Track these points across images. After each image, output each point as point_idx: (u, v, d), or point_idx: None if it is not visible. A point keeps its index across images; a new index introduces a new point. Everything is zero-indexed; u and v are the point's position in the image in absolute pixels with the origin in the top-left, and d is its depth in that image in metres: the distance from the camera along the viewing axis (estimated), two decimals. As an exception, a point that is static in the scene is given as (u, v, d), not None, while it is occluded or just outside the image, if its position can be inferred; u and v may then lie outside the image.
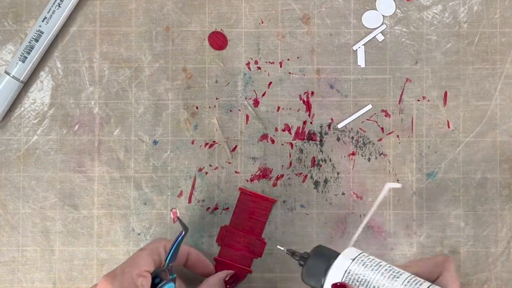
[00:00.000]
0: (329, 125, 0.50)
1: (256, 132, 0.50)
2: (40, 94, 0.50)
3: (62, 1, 0.49)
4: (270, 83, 0.51)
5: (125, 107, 0.50)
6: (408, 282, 0.36)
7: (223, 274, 0.48)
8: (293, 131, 0.50)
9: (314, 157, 0.50)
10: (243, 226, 0.49)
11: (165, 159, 0.50)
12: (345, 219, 0.50)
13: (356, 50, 0.51)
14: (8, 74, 0.49)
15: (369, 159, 0.50)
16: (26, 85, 0.50)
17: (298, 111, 0.50)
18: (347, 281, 0.37)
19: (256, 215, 0.49)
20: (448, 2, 0.51)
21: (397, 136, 0.50)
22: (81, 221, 0.50)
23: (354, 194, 0.50)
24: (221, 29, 0.51)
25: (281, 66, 0.50)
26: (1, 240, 0.50)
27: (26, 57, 0.49)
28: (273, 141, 0.50)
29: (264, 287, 0.50)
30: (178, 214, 0.45)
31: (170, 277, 0.43)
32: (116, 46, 0.50)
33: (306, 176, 0.50)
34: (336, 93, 0.50)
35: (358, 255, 0.39)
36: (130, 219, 0.50)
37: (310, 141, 0.50)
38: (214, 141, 0.50)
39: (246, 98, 0.50)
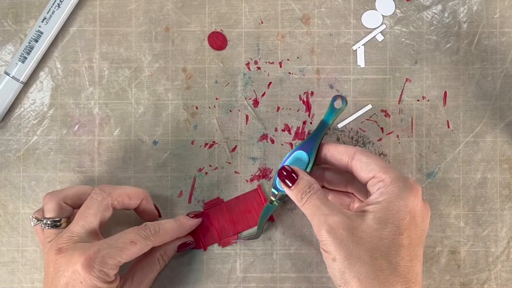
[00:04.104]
0: (329, 125, 0.50)
1: (256, 132, 0.50)
2: (40, 95, 0.50)
3: (61, 2, 0.49)
4: (270, 83, 0.51)
5: (125, 107, 0.50)
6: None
7: (175, 242, 0.48)
8: (293, 131, 0.50)
9: (314, 157, 0.50)
10: (232, 213, 0.49)
11: (165, 159, 0.50)
12: (345, 219, 0.50)
13: (356, 50, 0.51)
14: (8, 74, 0.49)
15: (369, 159, 0.50)
16: (26, 85, 0.50)
17: (297, 111, 0.50)
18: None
19: (249, 215, 0.49)
20: (448, 2, 0.51)
21: (397, 136, 0.50)
22: (81, 222, 0.50)
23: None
24: (220, 29, 0.51)
25: (280, 66, 0.50)
26: (1, 240, 0.50)
27: (25, 58, 0.49)
28: (273, 141, 0.50)
29: (264, 287, 0.50)
30: None
31: None
32: (116, 46, 0.50)
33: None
34: (336, 93, 0.50)
35: None
36: (130, 219, 0.50)
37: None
38: (214, 141, 0.50)
39: (246, 98, 0.50)
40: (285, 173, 0.43)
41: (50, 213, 0.43)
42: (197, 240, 0.49)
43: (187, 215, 0.48)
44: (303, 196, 0.42)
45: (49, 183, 0.50)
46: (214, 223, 0.49)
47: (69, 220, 0.44)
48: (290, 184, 0.43)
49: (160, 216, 0.49)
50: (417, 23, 0.51)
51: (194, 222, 0.48)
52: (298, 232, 0.50)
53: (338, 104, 0.46)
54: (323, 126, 0.46)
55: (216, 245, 0.50)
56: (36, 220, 0.44)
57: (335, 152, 0.44)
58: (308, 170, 0.45)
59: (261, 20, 0.51)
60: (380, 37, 0.51)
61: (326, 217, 0.40)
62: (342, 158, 0.44)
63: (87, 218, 0.42)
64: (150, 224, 0.44)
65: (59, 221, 0.43)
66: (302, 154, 0.45)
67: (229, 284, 0.50)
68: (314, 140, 0.46)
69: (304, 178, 0.43)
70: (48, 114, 0.50)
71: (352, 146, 0.44)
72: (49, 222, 0.43)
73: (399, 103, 0.50)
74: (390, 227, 0.39)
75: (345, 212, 0.41)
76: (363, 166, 0.42)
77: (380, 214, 0.40)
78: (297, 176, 0.43)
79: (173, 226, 0.46)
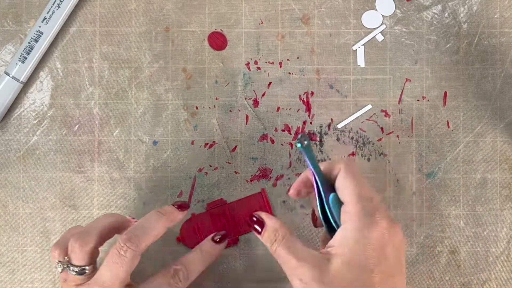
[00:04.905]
0: (329, 125, 0.50)
1: (256, 132, 0.50)
2: (40, 95, 0.50)
3: (61, 2, 0.49)
4: (270, 83, 0.51)
5: (124, 108, 0.50)
6: None
7: (211, 235, 0.47)
8: (292, 131, 0.50)
9: (314, 157, 0.50)
10: (235, 216, 0.49)
11: (165, 160, 0.50)
12: (345, 219, 0.50)
13: (356, 50, 0.51)
14: (8, 74, 0.49)
15: (368, 159, 0.50)
16: (25, 85, 0.50)
17: (298, 111, 0.50)
18: None
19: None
20: (448, 2, 0.51)
21: (397, 136, 0.50)
22: (80, 222, 0.50)
23: (354, 194, 0.50)
24: (220, 29, 0.51)
25: (280, 66, 0.51)
26: (1, 240, 0.50)
27: (25, 58, 0.49)
28: (272, 141, 0.50)
29: (264, 287, 0.50)
30: None
31: None
32: (116, 46, 0.50)
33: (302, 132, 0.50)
34: (336, 93, 0.50)
35: None
36: (130, 220, 0.50)
37: (310, 141, 0.50)
38: (214, 141, 0.50)
39: (246, 98, 0.50)
40: (254, 219, 0.43)
41: (79, 261, 0.41)
42: (197, 240, 0.49)
43: (213, 238, 0.47)
44: (272, 244, 0.42)
45: (49, 183, 0.50)
46: (215, 224, 0.49)
47: (95, 265, 0.42)
48: (260, 230, 0.43)
49: (188, 207, 0.46)
50: (417, 23, 0.51)
51: (220, 248, 0.47)
52: (297, 232, 0.50)
53: (305, 143, 0.43)
54: (312, 165, 0.43)
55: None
56: (61, 266, 0.41)
57: (327, 171, 0.43)
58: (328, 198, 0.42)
59: (261, 20, 0.51)
60: (380, 37, 0.51)
61: (294, 270, 0.40)
62: (333, 174, 0.43)
63: (118, 274, 0.40)
64: (179, 269, 0.43)
65: (87, 268, 0.41)
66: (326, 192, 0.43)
67: (229, 284, 0.50)
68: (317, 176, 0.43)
69: (270, 226, 0.42)
70: (48, 114, 0.50)
71: (337, 161, 0.43)
72: (76, 270, 0.41)
73: (399, 103, 0.51)
74: (358, 269, 0.39)
75: (312, 259, 0.40)
76: (339, 188, 0.41)
77: (346, 257, 0.39)
78: (263, 223, 0.43)
79: (199, 261, 0.45)
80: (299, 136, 0.43)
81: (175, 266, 0.43)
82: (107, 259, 0.40)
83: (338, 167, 0.42)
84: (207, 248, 0.46)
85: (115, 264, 0.40)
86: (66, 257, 0.41)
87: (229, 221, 0.49)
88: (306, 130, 0.50)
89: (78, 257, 0.41)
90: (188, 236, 0.49)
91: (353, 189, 0.41)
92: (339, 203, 0.41)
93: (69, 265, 0.41)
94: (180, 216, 0.44)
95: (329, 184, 0.42)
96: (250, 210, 0.49)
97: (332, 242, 0.40)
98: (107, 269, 0.40)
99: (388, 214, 0.41)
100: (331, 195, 0.42)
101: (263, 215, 0.43)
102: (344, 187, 0.41)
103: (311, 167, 0.42)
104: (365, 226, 0.39)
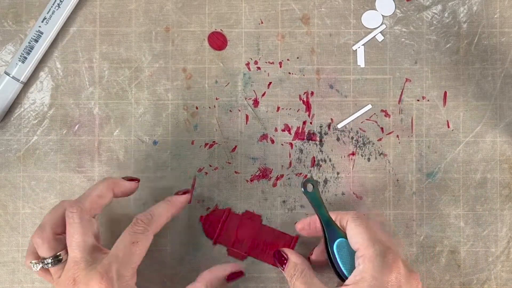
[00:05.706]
0: (329, 125, 0.50)
1: (256, 132, 0.50)
2: (40, 95, 0.50)
3: (61, 2, 0.49)
4: (270, 83, 0.51)
5: (125, 108, 0.50)
6: None
7: (223, 271, 0.47)
8: (292, 131, 0.50)
9: (314, 157, 0.50)
10: (259, 237, 0.49)
11: (165, 159, 0.50)
12: (345, 219, 0.50)
13: (356, 50, 0.51)
14: (8, 74, 0.49)
15: (369, 159, 0.50)
16: (26, 85, 0.50)
17: (298, 111, 0.50)
18: None
19: (270, 250, 0.49)
20: (448, 2, 0.51)
21: (397, 136, 0.50)
22: (81, 222, 0.50)
23: (354, 194, 0.50)
24: (220, 29, 0.51)
25: (280, 66, 0.51)
26: (1, 240, 0.50)
27: (26, 58, 0.49)
28: (273, 141, 0.50)
29: (264, 287, 0.50)
30: None
31: None
32: (116, 46, 0.50)
33: (306, 176, 0.50)
34: (336, 93, 0.50)
35: None
36: (130, 220, 0.50)
37: (310, 141, 0.50)
38: (214, 141, 0.50)
39: (246, 98, 0.50)
40: (277, 255, 0.46)
41: (47, 252, 0.42)
42: (214, 230, 0.49)
43: (176, 193, 0.47)
44: (291, 278, 0.44)
45: (49, 183, 0.50)
46: (239, 231, 0.49)
47: (67, 249, 0.43)
48: (283, 266, 0.45)
49: (139, 180, 0.47)
50: (417, 23, 0.51)
51: (184, 198, 0.47)
52: (297, 233, 0.50)
53: (310, 188, 0.44)
54: (316, 207, 0.44)
55: (224, 249, 0.50)
56: (37, 264, 0.42)
57: (336, 220, 0.45)
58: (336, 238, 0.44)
59: (261, 20, 0.51)
60: (380, 37, 0.51)
61: None
62: (342, 224, 0.44)
63: (80, 242, 0.41)
64: (140, 216, 0.43)
65: (60, 255, 0.42)
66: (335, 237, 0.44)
67: (229, 284, 0.50)
68: (325, 223, 0.44)
69: (292, 261, 0.44)
70: (48, 114, 0.50)
71: (345, 212, 0.44)
72: (50, 261, 0.42)
73: (399, 103, 0.51)
74: None
75: None
76: (351, 237, 0.43)
77: None
78: (286, 258, 0.45)
79: (165, 208, 0.45)
80: (303, 179, 0.44)
81: (137, 216, 0.44)
82: (66, 236, 0.42)
83: (346, 217, 0.44)
84: (173, 198, 0.47)
85: (71, 233, 0.42)
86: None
87: (252, 237, 0.49)
88: (306, 130, 0.50)
89: (44, 247, 0.42)
90: (210, 220, 0.50)
91: (363, 233, 0.42)
92: (348, 248, 0.43)
93: (43, 260, 0.42)
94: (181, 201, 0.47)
95: (337, 230, 0.44)
96: (275, 243, 0.50)
97: (347, 281, 0.41)
98: (70, 243, 0.42)
99: (405, 260, 0.42)
100: (337, 241, 0.43)
101: (287, 251, 0.46)
102: (355, 234, 0.42)
103: (318, 214, 0.44)
104: (377, 269, 0.40)
